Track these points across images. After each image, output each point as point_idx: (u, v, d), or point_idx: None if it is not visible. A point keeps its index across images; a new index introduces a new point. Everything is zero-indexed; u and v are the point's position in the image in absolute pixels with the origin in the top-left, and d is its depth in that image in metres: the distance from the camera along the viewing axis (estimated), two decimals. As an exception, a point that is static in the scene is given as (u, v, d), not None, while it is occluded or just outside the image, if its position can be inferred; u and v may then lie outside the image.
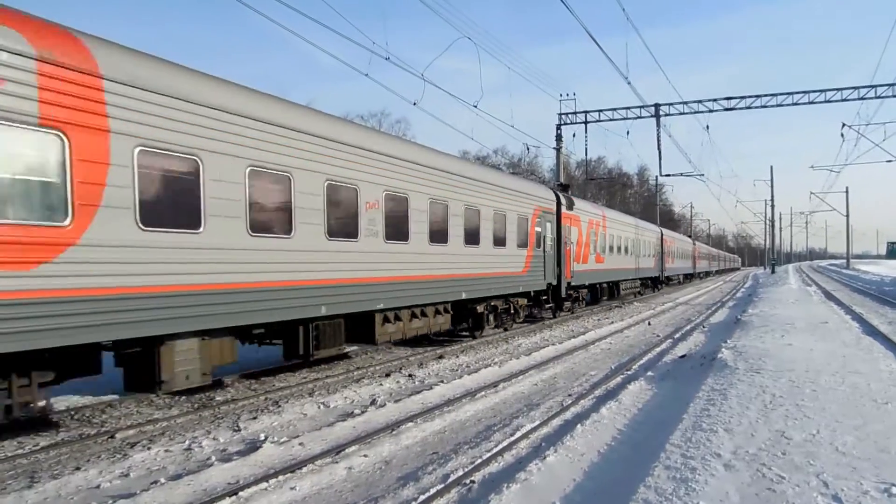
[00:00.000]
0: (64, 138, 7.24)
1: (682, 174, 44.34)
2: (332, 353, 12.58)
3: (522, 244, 19.89)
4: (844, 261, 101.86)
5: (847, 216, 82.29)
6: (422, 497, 6.31)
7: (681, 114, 37.06)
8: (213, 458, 7.62)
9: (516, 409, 10.29)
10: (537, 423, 9.12)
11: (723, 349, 13.55)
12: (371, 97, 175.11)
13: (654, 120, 37.23)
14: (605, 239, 29.36)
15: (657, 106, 36.98)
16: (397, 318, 14.16)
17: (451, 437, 8.74)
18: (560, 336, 19.30)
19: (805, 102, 35.25)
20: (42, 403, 7.73)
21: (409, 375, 12.71)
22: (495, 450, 7.82)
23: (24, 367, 7.43)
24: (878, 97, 34.28)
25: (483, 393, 11.23)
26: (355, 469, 7.35)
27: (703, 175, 49.61)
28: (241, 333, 10.66)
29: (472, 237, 16.64)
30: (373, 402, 10.33)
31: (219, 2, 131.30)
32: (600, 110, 38.16)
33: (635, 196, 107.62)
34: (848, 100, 34.71)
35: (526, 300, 21.22)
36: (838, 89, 34.75)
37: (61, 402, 10.11)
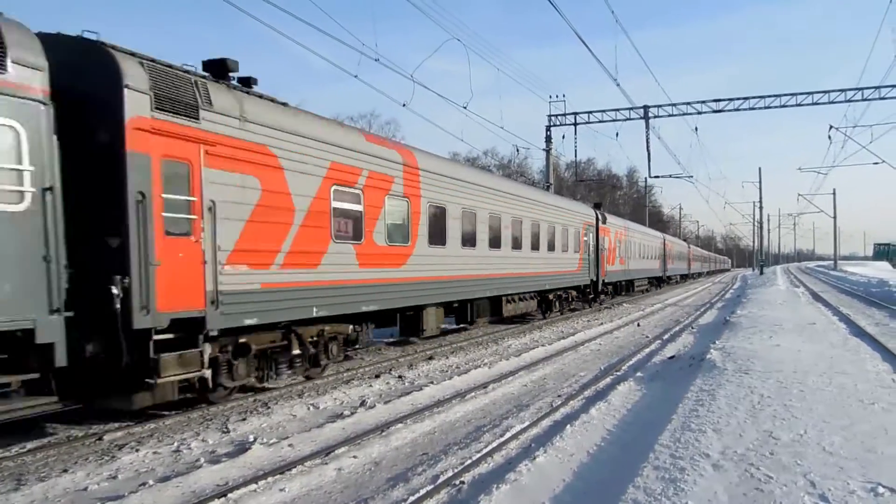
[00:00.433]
0: (408, 202, 14.30)
1: (671, 176, 44.90)
2: (484, 320, 20.61)
3: (576, 250, 26.73)
4: (832, 262, 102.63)
5: (834, 218, 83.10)
6: (411, 498, 6.31)
7: (670, 116, 37.24)
8: (202, 459, 7.59)
9: (506, 410, 10.31)
10: (527, 423, 9.14)
11: (711, 350, 13.62)
12: (361, 98, 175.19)
13: (643, 122, 37.40)
14: (626, 246, 36.60)
15: (646, 108, 37.14)
16: (510, 301, 20.93)
17: (441, 438, 8.74)
18: (550, 337, 19.34)
19: (793, 104, 35.51)
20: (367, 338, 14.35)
21: (399, 377, 12.70)
22: (485, 450, 7.83)
23: (363, 320, 13.48)
24: (865, 99, 34.56)
25: (473, 394, 11.24)
26: (345, 470, 7.34)
27: (692, 177, 50.04)
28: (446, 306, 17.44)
29: (551, 245, 23.77)
30: (362, 404, 10.31)
31: (208, 3, 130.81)
32: (590, 112, 38.26)
33: (625, 198, 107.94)
34: (835, 102, 35.00)
35: (576, 292, 28.21)
36: (825, 91, 35.05)
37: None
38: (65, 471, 7.18)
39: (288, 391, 11.39)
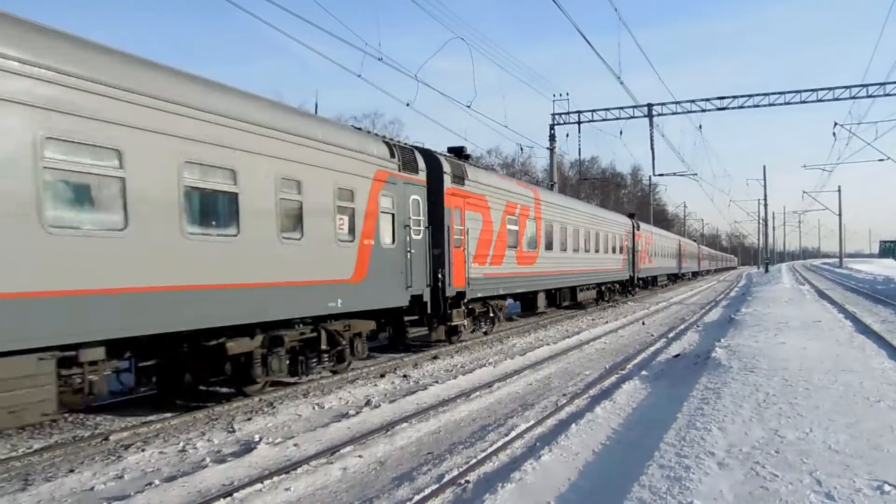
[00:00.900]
0: (535, 222, 21.44)
1: (675, 174, 44.46)
2: (566, 303, 26.61)
3: (621, 252, 34.01)
4: (837, 260, 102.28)
5: (839, 215, 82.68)
6: (417, 497, 6.31)
7: (673, 113, 37.15)
8: (208, 459, 7.61)
9: (511, 408, 10.31)
10: (532, 422, 9.14)
11: (717, 348, 13.59)
12: (364, 98, 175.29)
13: (647, 120, 37.30)
14: (653, 248, 44.05)
15: (650, 106, 37.04)
16: (582, 291, 27.70)
17: (446, 437, 8.75)
18: (554, 336, 19.33)
19: (797, 102, 35.39)
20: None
21: (404, 376, 12.72)
22: (490, 449, 7.83)
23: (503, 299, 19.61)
24: (870, 96, 34.44)
25: (478, 393, 11.24)
26: (350, 469, 7.35)
27: (696, 175, 49.82)
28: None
29: (606, 249, 30.74)
30: (367, 403, 10.33)
31: (211, 4, 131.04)
32: (593, 110, 38.20)
33: (629, 196, 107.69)
34: (839, 99, 34.85)
35: (619, 285, 35.34)
36: (830, 88, 34.90)
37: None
38: (71, 471, 7.21)
39: (293, 391, 11.41)
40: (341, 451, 7.91)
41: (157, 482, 6.84)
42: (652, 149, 38.91)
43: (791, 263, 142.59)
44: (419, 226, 14.43)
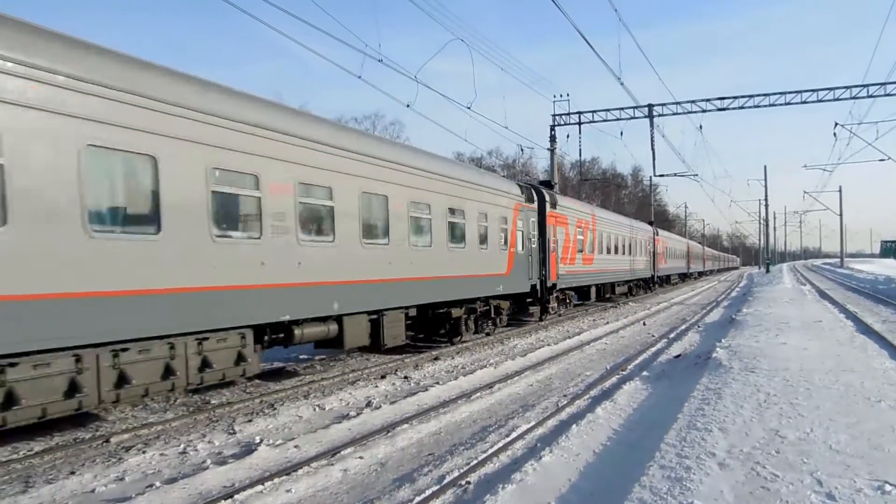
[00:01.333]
0: (592, 233, 29.00)
1: (676, 174, 44.46)
2: (607, 295, 32.94)
3: (644, 254, 41.06)
4: (838, 260, 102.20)
5: (840, 215, 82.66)
6: (417, 498, 6.32)
7: (674, 114, 37.05)
8: (209, 461, 7.61)
9: (512, 409, 10.31)
10: (533, 423, 9.14)
11: (717, 349, 13.59)
12: (364, 99, 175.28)
13: (647, 120, 37.26)
14: (667, 250, 51.28)
15: (650, 106, 37.01)
16: (618, 286, 34.46)
17: (447, 438, 8.75)
18: (555, 336, 19.33)
19: (798, 102, 35.32)
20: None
21: (405, 377, 12.72)
22: (491, 450, 7.83)
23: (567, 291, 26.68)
24: (870, 96, 34.37)
25: (478, 394, 11.24)
26: (351, 471, 7.35)
27: (696, 175, 49.78)
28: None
29: (633, 251, 37.25)
30: (368, 404, 10.33)
31: (210, 5, 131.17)
32: (594, 111, 38.14)
33: (629, 196, 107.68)
34: (840, 99, 34.77)
35: (643, 282, 42.06)
36: (830, 88, 34.85)
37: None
38: (72, 473, 7.21)
39: (294, 392, 11.41)
40: (342, 452, 7.91)
41: (157, 484, 6.84)
42: (652, 149, 38.89)
43: (792, 263, 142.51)
44: (534, 238, 21.50)
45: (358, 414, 9.72)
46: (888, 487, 5.46)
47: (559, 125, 38.37)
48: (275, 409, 10.16)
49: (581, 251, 26.62)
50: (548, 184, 28.08)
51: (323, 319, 11.62)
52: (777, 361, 11.62)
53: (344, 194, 11.93)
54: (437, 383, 11.96)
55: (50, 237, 7.14)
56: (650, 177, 71.35)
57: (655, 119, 36.99)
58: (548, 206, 22.81)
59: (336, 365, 14.38)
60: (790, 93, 35.43)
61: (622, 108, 37.75)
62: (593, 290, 29.63)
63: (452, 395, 11.14)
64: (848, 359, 11.94)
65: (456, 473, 7.02)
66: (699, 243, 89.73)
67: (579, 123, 38.05)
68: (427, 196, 14.77)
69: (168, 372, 8.60)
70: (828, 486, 5.53)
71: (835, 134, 40.13)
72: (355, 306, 12.33)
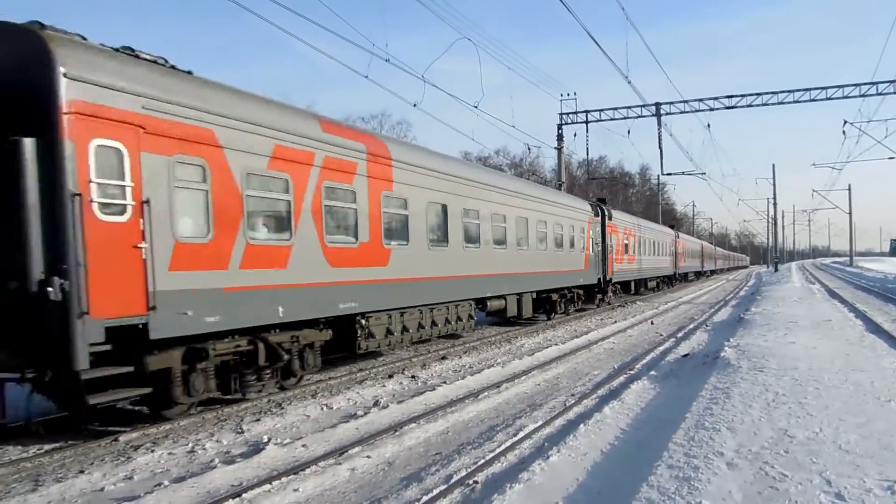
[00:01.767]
0: (634, 237, 37.20)
1: (683, 173, 44.35)
2: (642, 289, 40.23)
3: (669, 254, 47.59)
4: (848, 258, 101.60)
5: (850, 213, 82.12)
6: (425, 497, 6.32)
7: (682, 112, 37.05)
8: (217, 460, 7.64)
9: (519, 409, 10.30)
10: (540, 423, 9.13)
11: (726, 348, 13.54)
12: (371, 99, 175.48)
13: (655, 119, 37.23)
14: (685, 251, 57.39)
15: (658, 105, 36.96)
16: (651, 281, 41.94)
17: (454, 437, 8.75)
18: (563, 336, 19.30)
19: (806, 100, 35.20)
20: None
21: (412, 377, 12.72)
22: (498, 450, 7.82)
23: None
24: (880, 94, 34.25)
25: (486, 393, 11.24)
26: (358, 470, 7.36)
27: (704, 174, 49.47)
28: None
29: (660, 252, 43.39)
30: (376, 404, 10.34)
31: (218, 5, 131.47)
32: (601, 110, 38.19)
33: (637, 195, 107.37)
34: (849, 97, 34.68)
35: (668, 278, 48.72)
36: (839, 86, 34.74)
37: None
38: (81, 471, 7.26)
39: (301, 392, 11.44)
40: (350, 451, 7.92)
41: (166, 483, 6.87)
42: (660, 148, 38.97)
43: (801, 262, 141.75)
44: (598, 242, 28.50)
45: (365, 413, 9.73)
46: (898, 487, 5.43)
47: (566, 124, 38.38)
48: (282, 408, 10.18)
49: (627, 253, 33.71)
50: (604, 200, 34.09)
51: (497, 297, 18.77)
52: (786, 361, 11.57)
53: (511, 219, 19.43)
54: (445, 382, 11.97)
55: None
56: (658, 175, 71.62)
57: (663, 117, 37.00)
58: (606, 218, 29.87)
59: (343, 364, 14.40)
60: (799, 90, 35.32)
61: (629, 107, 37.78)
62: (633, 283, 37.19)
63: (460, 394, 11.14)
64: (857, 358, 11.88)
65: (463, 473, 7.02)
66: (710, 243, 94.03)
67: (586, 122, 38.06)
68: (545, 216, 22.26)
69: (446, 321, 16.45)
70: (837, 486, 5.50)
71: (844, 132, 40.09)
72: (512, 289, 19.66)
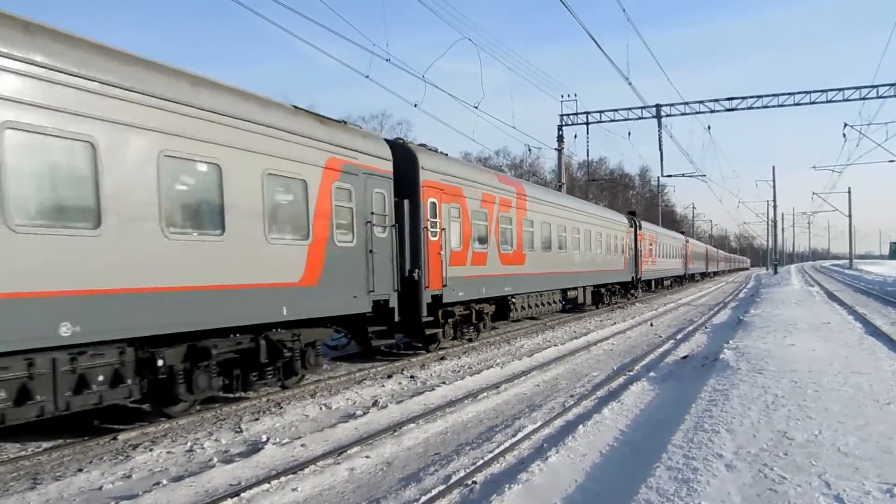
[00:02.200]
0: (648, 242, 41.63)
1: (683, 175, 44.51)
2: (660, 287, 46.77)
3: (679, 257, 52.04)
4: (847, 261, 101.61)
5: (850, 216, 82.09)
6: (423, 498, 6.31)
7: (682, 114, 37.07)
8: (215, 459, 7.64)
9: (518, 409, 10.29)
10: (539, 423, 9.12)
11: (725, 350, 13.54)
12: (372, 98, 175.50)
13: (655, 121, 37.24)
14: (693, 254, 60.70)
15: (658, 107, 36.97)
16: (666, 280, 47.67)
17: (453, 438, 8.74)
18: (562, 337, 19.30)
19: (807, 102, 35.21)
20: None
21: (411, 377, 12.72)
22: (497, 450, 7.82)
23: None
24: (880, 97, 34.24)
25: (485, 394, 11.23)
26: (357, 470, 7.36)
27: (704, 176, 49.68)
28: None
29: (675, 256, 49.96)
30: (374, 404, 10.33)
31: (219, 5, 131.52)
32: (601, 111, 38.17)
33: (637, 197, 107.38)
34: (850, 100, 34.67)
35: (678, 278, 53.16)
36: (840, 89, 34.72)
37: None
38: (80, 470, 7.25)
39: (300, 391, 11.44)
40: (348, 451, 7.92)
41: (164, 482, 6.86)
42: (660, 150, 39.05)
43: (800, 265, 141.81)
44: (632, 248, 33.88)
45: (364, 413, 9.73)
46: (897, 490, 5.43)
47: (567, 125, 38.39)
48: (281, 407, 10.18)
49: (651, 256, 39.50)
50: (633, 213, 40.35)
51: (573, 289, 24.89)
52: (785, 363, 11.57)
53: (582, 231, 25.72)
54: (444, 383, 11.96)
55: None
56: (658, 177, 72.04)
57: (663, 119, 37.03)
58: (637, 228, 35.65)
59: (342, 364, 14.40)
60: (799, 93, 35.34)
61: (630, 109, 37.77)
62: (653, 281, 43.11)
63: (459, 394, 11.14)
64: (856, 361, 11.88)
65: (462, 473, 7.02)
66: (711, 246, 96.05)
67: (587, 123, 38.07)
68: (600, 229, 28.75)
69: (546, 304, 22.47)
70: (836, 489, 5.50)
71: (844, 135, 40.08)
72: (583, 283, 26.14)
